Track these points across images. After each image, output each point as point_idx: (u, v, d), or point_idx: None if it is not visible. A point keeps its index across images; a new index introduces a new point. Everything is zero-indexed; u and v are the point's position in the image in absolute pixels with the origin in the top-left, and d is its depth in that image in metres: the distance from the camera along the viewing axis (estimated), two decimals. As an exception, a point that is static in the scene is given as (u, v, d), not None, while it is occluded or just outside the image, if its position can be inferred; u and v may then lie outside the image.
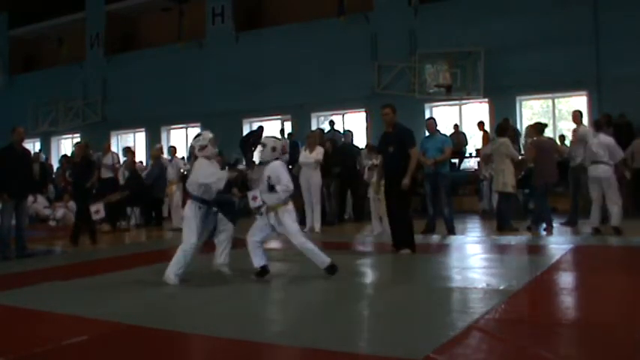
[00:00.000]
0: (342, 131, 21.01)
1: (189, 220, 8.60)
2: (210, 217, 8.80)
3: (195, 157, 8.96)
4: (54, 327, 6.62)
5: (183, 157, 18.47)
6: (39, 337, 6.17)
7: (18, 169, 11.91)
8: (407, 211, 11.02)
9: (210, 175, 8.62)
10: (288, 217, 8.67)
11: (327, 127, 21.10)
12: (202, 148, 8.77)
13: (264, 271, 8.54)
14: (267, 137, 9.37)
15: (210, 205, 8.78)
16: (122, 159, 19.52)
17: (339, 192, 17.12)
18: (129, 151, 19.87)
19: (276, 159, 8.92)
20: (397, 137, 10.87)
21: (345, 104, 22.91)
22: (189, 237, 8.52)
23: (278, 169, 8.77)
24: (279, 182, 8.65)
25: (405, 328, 5.95)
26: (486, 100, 21.36)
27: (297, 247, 8.64)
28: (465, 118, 22.62)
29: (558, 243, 11.54)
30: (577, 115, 14.47)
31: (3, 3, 32.23)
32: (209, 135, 9.04)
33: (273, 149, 8.92)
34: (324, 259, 8.56)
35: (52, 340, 5.92)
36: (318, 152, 14.78)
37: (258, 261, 8.57)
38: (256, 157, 23.53)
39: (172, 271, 8.47)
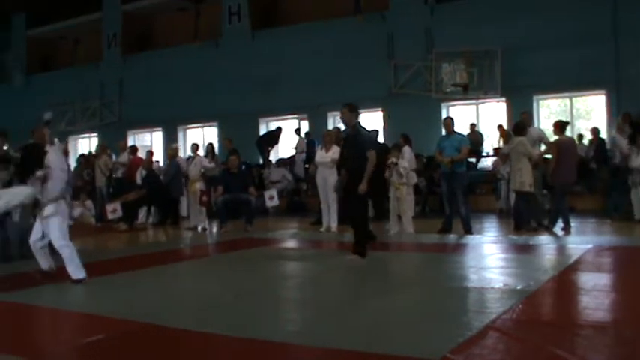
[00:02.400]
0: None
1: None
2: None
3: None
4: (71, 325, 6.64)
5: (205, 155, 18.44)
6: (57, 335, 6.18)
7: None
8: (361, 215, 10.72)
9: None
10: None
11: (343, 127, 21.01)
12: None
13: None
14: None
15: None
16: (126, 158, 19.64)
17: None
18: (133, 151, 20.01)
19: None
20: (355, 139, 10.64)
21: (361, 103, 22.75)
22: None
23: None
24: None
25: (421, 327, 5.91)
26: (504, 99, 21.27)
27: None
28: (482, 117, 22.52)
29: (577, 243, 11.44)
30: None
31: (20, 4, 32.37)
32: None
33: None
34: None
35: (69, 339, 5.93)
36: (335, 151, 14.72)
37: None
38: (272, 157, 23.61)
39: None
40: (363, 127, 10.90)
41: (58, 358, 5.35)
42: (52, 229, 8.76)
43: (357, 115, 10.66)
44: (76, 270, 8.64)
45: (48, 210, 8.73)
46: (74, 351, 5.59)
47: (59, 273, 9.00)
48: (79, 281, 8.57)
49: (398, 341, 5.44)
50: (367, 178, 10.09)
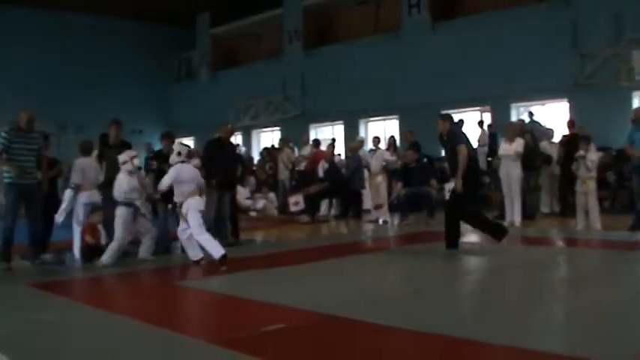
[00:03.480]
0: (541, 123, 20.29)
1: None
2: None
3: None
4: (253, 313, 6.77)
5: (388, 149, 18.39)
6: (238, 322, 6.32)
7: (224, 162, 12.28)
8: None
9: None
10: None
11: (526, 118, 20.39)
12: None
13: None
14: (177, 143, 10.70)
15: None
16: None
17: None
18: (316, 144, 20.29)
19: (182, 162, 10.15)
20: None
21: (545, 94, 22.02)
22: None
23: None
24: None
25: (610, 329, 5.57)
26: None
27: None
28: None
29: None
30: None
31: (205, 3, 33.56)
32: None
33: (179, 154, 10.18)
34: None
35: (250, 327, 6.04)
36: (519, 144, 14.29)
37: None
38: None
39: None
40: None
41: (236, 343, 5.42)
42: (193, 220, 9.82)
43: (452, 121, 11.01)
44: (196, 253, 10.05)
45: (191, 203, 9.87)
46: (252, 338, 5.69)
47: (234, 262, 9.29)
48: (198, 262, 10.00)
49: (585, 343, 5.16)
50: (461, 174, 10.15)
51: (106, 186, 11.15)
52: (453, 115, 11.56)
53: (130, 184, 10.28)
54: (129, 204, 10.29)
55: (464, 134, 11.18)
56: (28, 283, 8.73)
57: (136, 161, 10.50)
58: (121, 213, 10.26)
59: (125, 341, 5.80)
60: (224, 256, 9.48)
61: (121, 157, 10.44)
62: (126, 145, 11.48)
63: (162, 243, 11.66)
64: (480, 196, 15.07)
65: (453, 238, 10.52)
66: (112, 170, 11.04)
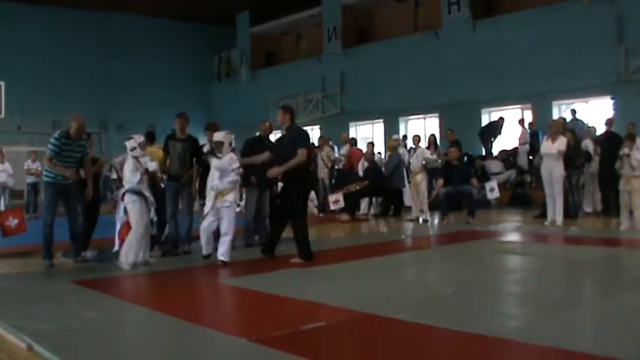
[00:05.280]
0: (584, 121, 20.10)
1: None
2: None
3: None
4: (293, 312, 6.79)
5: (427, 147, 18.32)
6: (278, 320, 6.34)
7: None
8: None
9: None
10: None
11: (569, 116, 20.19)
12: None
13: None
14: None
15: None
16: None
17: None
18: (352, 142, 20.28)
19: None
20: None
21: (588, 91, 21.79)
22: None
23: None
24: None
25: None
26: None
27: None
28: None
29: None
30: None
31: (245, 2, 33.74)
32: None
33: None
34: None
35: (290, 325, 6.06)
36: (561, 142, 14.16)
37: None
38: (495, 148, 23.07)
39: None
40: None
41: (276, 341, 5.46)
42: (228, 216, 9.85)
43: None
44: (225, 253, 9.75)
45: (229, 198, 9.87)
46: (292, 336, 5.71)
47: (274, 261, 9.40)
48: (225, 263, 9.70)
49: (627, 346, 5.09)
50: (284, 168, 9.96)
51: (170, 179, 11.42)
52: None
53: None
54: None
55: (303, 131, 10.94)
56: (70, 281, 8.83)
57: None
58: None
59: (167, 339, 5.85)
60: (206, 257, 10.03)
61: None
62: (192, 140, 11.62)
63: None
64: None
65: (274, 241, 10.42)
66: (174, 163, 11.34)
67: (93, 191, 10.83)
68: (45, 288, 8.53)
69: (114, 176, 11.66)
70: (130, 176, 9.88)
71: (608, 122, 17.08)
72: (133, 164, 9.93)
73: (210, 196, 9.99)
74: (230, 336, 5.80)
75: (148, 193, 10.02)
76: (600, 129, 17.54)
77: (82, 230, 10.78)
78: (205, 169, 10.89)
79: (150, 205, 10.12)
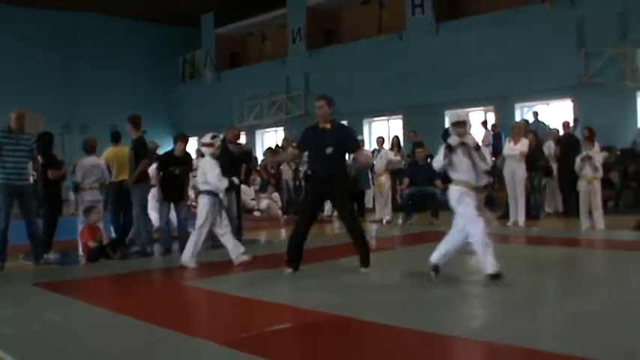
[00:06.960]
0: (545, 123, 20.32)
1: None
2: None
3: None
4: (259, 314, 6.82)
5: (391, 148, 18.39)
6: (245, 323, 6.35)
7: (228, 165, 12.28)
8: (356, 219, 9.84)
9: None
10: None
11: (531, 118, 20.38)
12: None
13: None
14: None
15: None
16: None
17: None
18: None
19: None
20: (336, 136, 9.76)
21: (549, 94, 22.03)
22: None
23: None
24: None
25: (617, 331, 5.61)
26: None
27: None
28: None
29: None
30: None
31: (209, 3, 33.64)
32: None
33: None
34: None
35: (256, 327, 6.07)
36: (523, 144, 14.33)
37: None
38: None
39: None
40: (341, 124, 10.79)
41: (242, 343, 5.47)
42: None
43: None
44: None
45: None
46: (259, 338, 5.73)
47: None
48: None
49: (593, 344, 5.17)
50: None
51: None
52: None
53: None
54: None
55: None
56: (33, 283, 8.76)
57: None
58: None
59: (130, 341, 5.81)
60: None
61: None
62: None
63: (167, 242, 11.73)
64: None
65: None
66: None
67: (54, 192, 10.76)
68: (5, 290, 8.46)
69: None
70: (218, 183, 9.90)
71: (566, 125, 17.32)
72: (219, 170, 10.03)
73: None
74: (194, 338, 5.77)
75: (222, 196, 10.28)
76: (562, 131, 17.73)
77: (41, 232, 10.68)
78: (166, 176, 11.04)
79: (222, 208, 10.29)
